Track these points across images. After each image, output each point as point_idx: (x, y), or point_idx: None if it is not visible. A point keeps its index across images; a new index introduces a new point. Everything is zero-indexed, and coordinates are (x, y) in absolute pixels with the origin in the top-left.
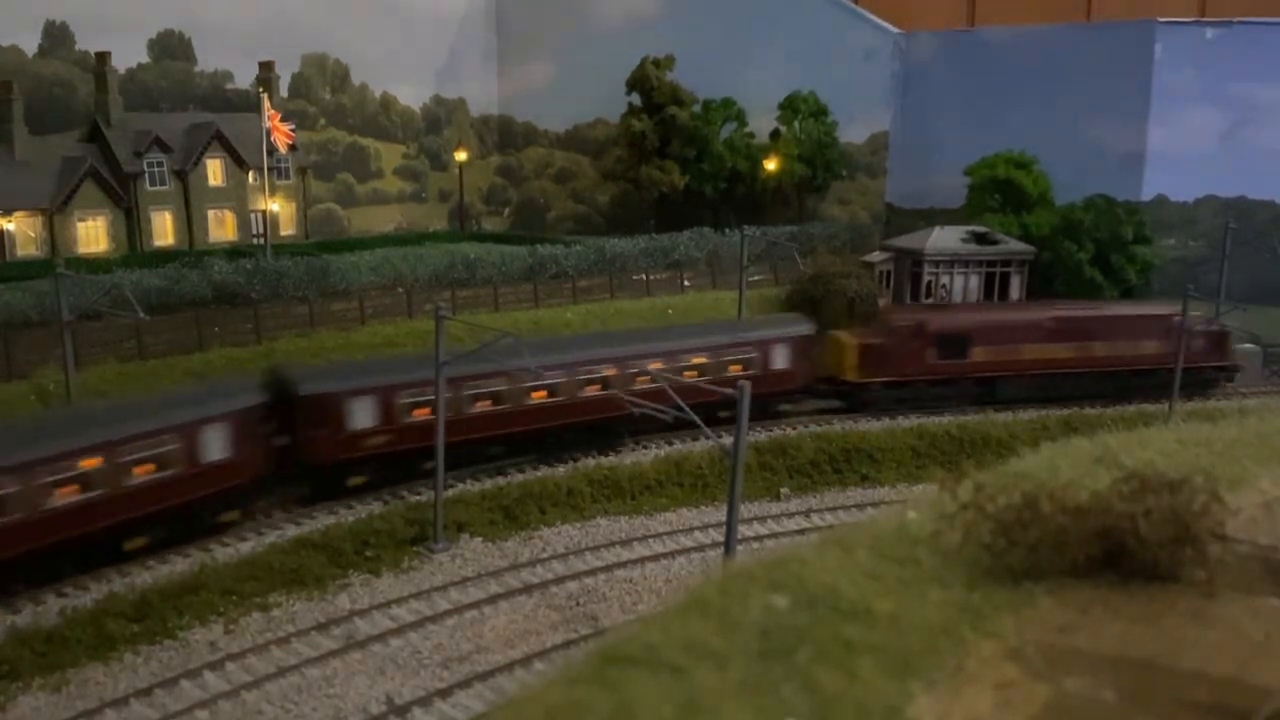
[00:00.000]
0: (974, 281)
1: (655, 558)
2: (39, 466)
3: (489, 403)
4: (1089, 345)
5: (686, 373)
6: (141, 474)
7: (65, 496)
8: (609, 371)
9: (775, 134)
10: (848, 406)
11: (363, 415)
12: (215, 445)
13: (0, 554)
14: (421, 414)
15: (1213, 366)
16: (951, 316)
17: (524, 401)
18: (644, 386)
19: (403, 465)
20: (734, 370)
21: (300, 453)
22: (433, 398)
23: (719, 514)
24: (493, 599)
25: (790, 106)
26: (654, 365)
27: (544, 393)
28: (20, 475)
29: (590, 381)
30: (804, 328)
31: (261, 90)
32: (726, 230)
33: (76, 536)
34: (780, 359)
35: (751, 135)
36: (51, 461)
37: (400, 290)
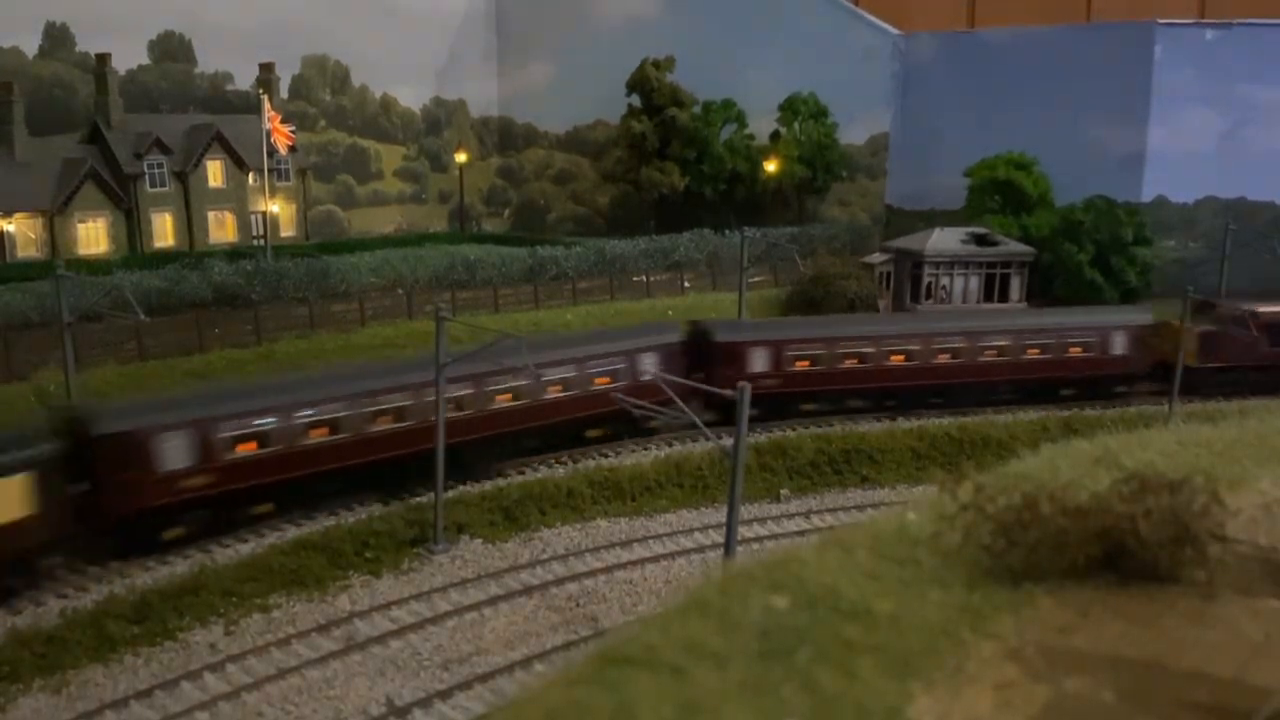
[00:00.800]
0: (974, 283)
1: (655, 559)
2: (542, 367)
3: (855, 360)
4: None
5: (1030, 350)
6: (600, 384)
7: (554, 392)
8: (959, 343)
9: (775, 135)
10: (1181, 390)
11: (759, 362)
12: (647, 368)
13: (519, 425)
14: (802, 365)
15: None
16: None
17: (883, 363)
18: (992, 359)
19: (786, 405)
20: (1074, 353)
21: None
22: (815, 352)
23: (719, 515)
24: (493, 600)
25: (790, 108)
26: (1000, 342)
27: (902, 356)
28: (527, 375)
29: (942, 350)
30: (1144, 316)
31: (261, 92)
32: (726, 232)
33: (560, 422)
34: (1118, 345)
35: (751, 137)
36: (546, 366)
37: (400, 292)
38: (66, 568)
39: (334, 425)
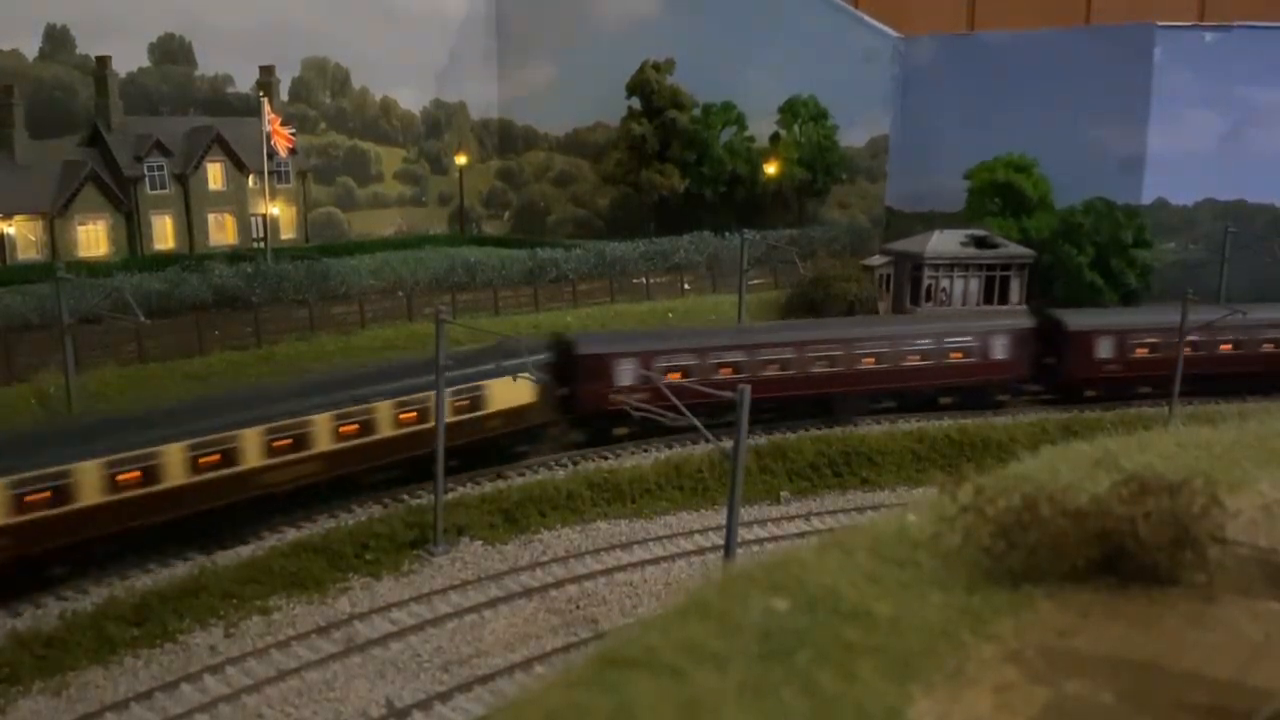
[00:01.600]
0: (974, 285)
1: (655, 561)
2: (903, 340)
3: (1146, 350)
4: None
5: None
6: (955, 358)
7: (913, 361)
8: (1241, 337)
9: (775, 137)
10: None
11: (1106, 350)
12: (999, 349)
13: (879, 385)
14: (1141, 354)
15: None
16: None
17: (1214, 351)
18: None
19: (1128, 389)
20: None
21: (1060, 370)
22: (1153, 340)
23: (719, 517)
24: (492, 602)
25: (790, 110)
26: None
27: (1230, 345)
28: (893, 343)
29: (1223, 342)
30: None
31: (262, 94)
32: (726, 234)
33: (916, 387)
34: None
35: (751, 139)
36: (907, 339)
37: (400, 294)
38: (552, 446)
39: (736, 367)
